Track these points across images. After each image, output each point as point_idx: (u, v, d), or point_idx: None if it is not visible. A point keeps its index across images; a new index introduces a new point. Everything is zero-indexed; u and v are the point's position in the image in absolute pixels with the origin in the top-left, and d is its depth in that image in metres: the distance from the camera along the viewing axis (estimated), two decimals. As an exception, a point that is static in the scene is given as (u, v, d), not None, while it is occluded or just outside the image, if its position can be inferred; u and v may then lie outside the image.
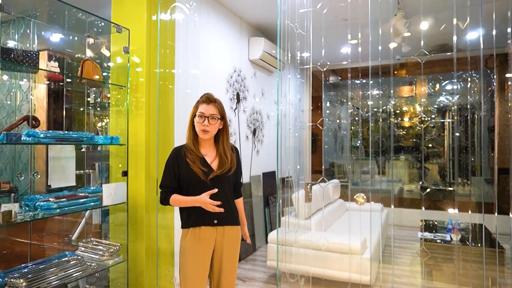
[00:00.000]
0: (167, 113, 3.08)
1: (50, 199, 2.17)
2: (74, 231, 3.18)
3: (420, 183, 7.23)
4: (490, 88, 6.40)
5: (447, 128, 7.44)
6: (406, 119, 7.86)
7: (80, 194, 2.39)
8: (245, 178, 4.44)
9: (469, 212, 3.01)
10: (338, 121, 8.39)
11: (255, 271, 3.78)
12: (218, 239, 1.97)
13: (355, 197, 2.27)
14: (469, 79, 5.45)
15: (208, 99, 2.00)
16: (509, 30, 2.47)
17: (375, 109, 7.68)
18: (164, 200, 1.97)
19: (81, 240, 2.73)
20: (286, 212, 3.74)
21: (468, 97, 6.37)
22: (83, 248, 2.58)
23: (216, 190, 1.90)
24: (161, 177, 2.02)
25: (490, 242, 3.51)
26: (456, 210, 3.47)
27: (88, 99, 3.19)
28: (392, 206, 3.77)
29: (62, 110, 3.40)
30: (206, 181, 1.92)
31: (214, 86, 3.83)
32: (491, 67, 5.99)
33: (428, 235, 3.59)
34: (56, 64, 2.40)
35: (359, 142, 8.58)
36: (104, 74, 2.93)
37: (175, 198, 1.95)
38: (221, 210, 1.89)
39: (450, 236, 3.52)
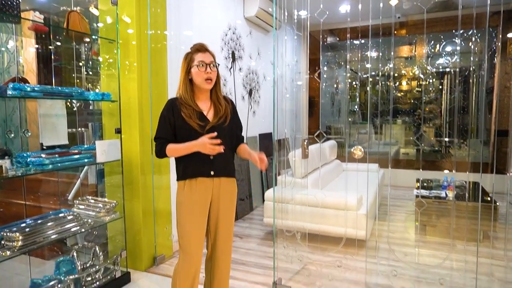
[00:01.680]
0: (160, 70, 2.98)
1: (42, 155, 2.13)
2: (70, 191, 3.17)
3: (417, 143, 7.26)
4: (491, 48, 6.26)
5: (445, 90, 7.36)
6: (404, 82, 7.76)
7: (73, 151, 2.34)
8: (241, 139, 4.41)
9: (467, 172, 3.01)
10: (335, 84, 8.27)
11: (252, 228, 3.83)
12: (215, 191, 1.94)
13: (352, 150, 2.24)
14: (472, 38, 5.31)
15: (202, 47, 1.93)
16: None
17: (373, 72, 7.56)
18: (160, 152, 1.91)
19: (77, 199, 2.72)
20: (282, 172, 3.74)
21: (471, 58, 6.24)
22: (79, 206, 2.57)
23: (215, 133, 1.82)
24: (156, 129, 1.95)
25: (483, 198, 3.54)
26: (454, 171, 3.48)
27: (78, 61, 3.08)
28: (390, 167, 3.78)
29: (52, 73, 3.29)
30: (202, 133, 1.86)
31: (208, 43, 3.69)
32: (494, 26, 5.82)
33: (423, 192, 3.62)
34: (42, 16, 2.28)
35: (356, 106, 8.51)
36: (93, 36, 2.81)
37: (171, 147, 1.89)
38: (221, 148, 1.81)
39: (446, 193, 3.55)
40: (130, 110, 2.77)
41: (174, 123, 1.90)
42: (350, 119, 8.20)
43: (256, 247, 3.32)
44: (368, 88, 7.73)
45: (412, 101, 7.62)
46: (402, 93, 7.73)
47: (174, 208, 3.02)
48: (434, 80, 7.53)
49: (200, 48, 1.92)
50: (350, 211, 3.04)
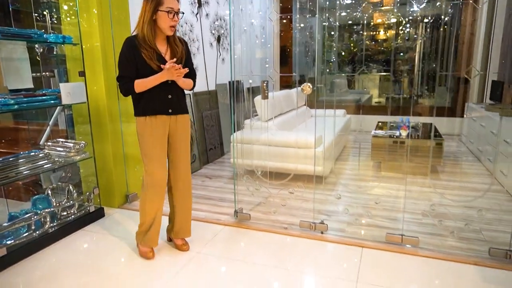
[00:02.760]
0: (123, 14, 2.99)
1: (7, 96, 2.22)
2: (41, 137, 3.27)
3: (388, 91, 7.53)
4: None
5: (419, 40, 7.48)
6: (381, 32, 7.81)
7: (38, 93, 2.43)
8: (210, 86, 4.51)
9: (436, 116, 3.25)
10: (308, 33, 8.25)
11: (222, 170, 4.06)
12: (172, 126, 2.13)
13: (301, 86, 2.41)
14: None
15: None
16: None
17: (350, 22, 7.61)
18: (128, 89, 2.01)
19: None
20: (249, 117, 3.91)
21: (441, 4, 6.31)
22: (50, 147, 2.69)
23: (175, 59, 1.99)
24: (118, 69, 2.03)
25: (434, 137, 3.84)
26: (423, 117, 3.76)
27: (37, 5, 3.03)
28: (345, 111, 4.00)
29: (10, 18, 3.22)
30: None
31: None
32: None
33: (380, 132, 3.88)
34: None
35: (333, 56, 8.59)
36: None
37: (139, 82, 2.00)
38: (186, 70, 2.02)
39: (400, 132, 3.83)
40: (93, 55, 2.82)
41: (136, 62, 2.00)
42: (325, 68, 8.32)
43: (224, 185, 3.57)
44: (339, 37, 7.78)
45: (388, 52, 7.72)
46: (377, 44, 7.81)
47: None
48: (410, 28, 7.61)
49: None
50: (309, 148, 3.28)
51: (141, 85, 2.01)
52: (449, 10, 6.29)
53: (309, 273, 2.05)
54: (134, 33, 2.05)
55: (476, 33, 5.70)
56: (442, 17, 6.71)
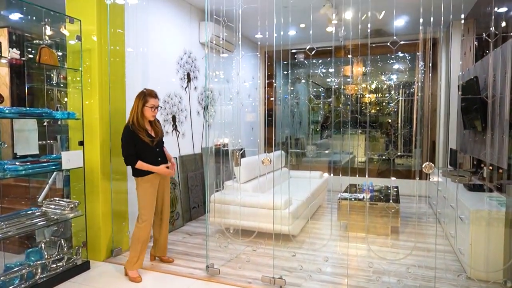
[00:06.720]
0: (119, 89, 3.54)
1: (17, 163, 2.67)
2: (40, 194, 3.67)
3: (368, 154, 8.08)
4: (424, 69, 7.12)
5: (400, 106, 8.24)
6: (367, 95, 8.56)
7: (42, 160, 2.88)
8: (197, 149, 5.01)
9: (412, 179, 3.68)
10: (295, 95, 8.98)
11: (202, 228, 4.41)
12: (161, 182, 3.11)
13: (262, 159, 2.88)
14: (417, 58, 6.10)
15: (155, 94, 2.97)
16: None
17: (336, 85, 8.40)
18: (131, 164, 2.93)
19: (46, 200, 3.23)
20: (233, 178, 4.35)
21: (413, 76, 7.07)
22: (47, 205, 3.09)
23: (167, 165, 3.07)
24: (124, 149, 2.92)
25: (394, 200, 4.26)
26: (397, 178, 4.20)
27: (48, 80, 3.61)
28: (327, 174, 4.47)
29: (24, 87, 3.80)
30: (153, 146, 2.96)
31: (163, 66, 4.28)
32: (424, 50, 6.68)
33: (345, 195, 4.31)
34: (18, 52, 2.81)
35: (320, 116, 9.29)
36: (61, 53, 3.36)
37: (141, 164, 2.92)
38: (172, 172, 3.11)
39: (364, 196, 4.25)
40: (92, 126, 3.32)
41: (134, 143, 2.87)
42: (310, 130, 8.99)
43: (202, 241, 3.90)
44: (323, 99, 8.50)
45: (369, 114, 8.39)
46: (361, 106, 8.50)
47: (130, 209, 3.59)
48: (392, 94, 8.38)
49: (153, 95, 2.95)
50: (278, 210, 3.68)
51: (143, 166, 2.92)
52: (414, 83, 7.03)
53: (263, 322, 2.36)
54: (129, 120, 2.90)
55: (438, 104, 6.36)
56: (411, 89, 7.51)
